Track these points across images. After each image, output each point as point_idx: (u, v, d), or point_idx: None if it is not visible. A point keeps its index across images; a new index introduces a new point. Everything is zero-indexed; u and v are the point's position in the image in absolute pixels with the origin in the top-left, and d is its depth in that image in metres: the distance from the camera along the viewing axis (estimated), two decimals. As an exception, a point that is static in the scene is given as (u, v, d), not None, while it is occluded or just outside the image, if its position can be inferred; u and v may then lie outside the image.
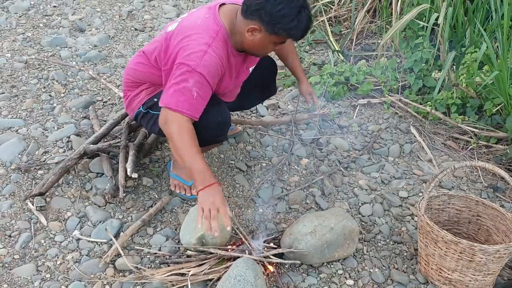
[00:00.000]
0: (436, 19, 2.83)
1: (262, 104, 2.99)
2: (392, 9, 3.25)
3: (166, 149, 2.56)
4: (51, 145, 2.54)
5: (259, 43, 1.85)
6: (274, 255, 1.93)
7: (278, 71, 2.51)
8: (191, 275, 1.83)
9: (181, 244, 1.98)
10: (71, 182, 2.31)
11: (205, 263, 1.89)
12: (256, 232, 2.09)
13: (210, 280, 1.85)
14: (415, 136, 2.83)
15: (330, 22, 3.94)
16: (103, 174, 2.33)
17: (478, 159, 2.68)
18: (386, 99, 3.08)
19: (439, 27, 2.94)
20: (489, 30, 2.92)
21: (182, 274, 1.85)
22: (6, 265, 1.92)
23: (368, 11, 3.73)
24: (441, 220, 2.13)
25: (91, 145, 2.35)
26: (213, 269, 1.87)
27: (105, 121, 2.69)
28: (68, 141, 2.56)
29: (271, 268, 1.91)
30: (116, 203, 2.22)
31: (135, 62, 2.13)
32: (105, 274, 1.90)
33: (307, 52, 3.71)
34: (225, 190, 2.35)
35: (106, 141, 2.46)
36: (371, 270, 2.01)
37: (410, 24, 3.15)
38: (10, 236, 2.05)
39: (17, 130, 2.64)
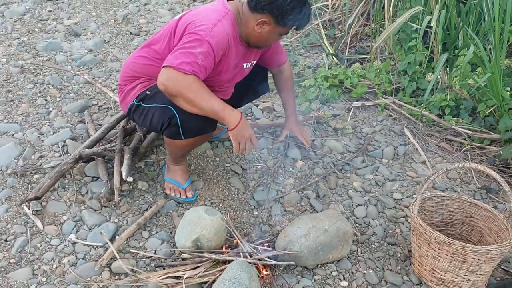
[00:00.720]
0: (429, 22, 2.85)
1: (257, 106, 3.01)
2: (384, 12, 3.27)
3: (161, 153, 2.57)
4: (47, 149, 2.55)
5: (267, 35, 2.02)
6: (269, 257, 1.94)
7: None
8: (186, 278, 1.84)
9: (176, 247, 1.99)
10: (67, 186, 2.32)
11: (200, 266, 1.90)
12: (251, 235, 2.11)
13: (205, 282, 1.86)
14: (409, 138, 2.85)
15: (325, 25, 3.97)
16: (98, 178, 2.34)
17: (471, 160, 2.70)
18: (380, 102, 3.10)
19: (432, 29, 2.97)
20: (482, 32, 2.95)
21: (178, 277, 1.86)
22: (2, 269, 1.93)
23: (362, 14, 3.76)
24: (434, 222, 2.15)
25: (87, 149, 2.36)
26: (208, 271, 1.88)
27: (100, 125, 2.71)
28: (63, 145, 2.56)
29: (265, 272, 1.92)
30: (111, 206, 2.23)
31: (136, 55, 2.17)
32: (101, 278, 1.91)
33: (301, 55, 3.73)
34: (220, 193, 2.36)
35: (101, 145, 2.47)
36: (365, 271, 2.02)
37: (403, 27, 3.18)
38: (6, 240, 2.05)
39: (13, 135, 2.65)
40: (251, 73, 2.31)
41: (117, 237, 2.06)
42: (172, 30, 2.03)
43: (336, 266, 2.02)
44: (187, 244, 1.93)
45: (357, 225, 2.26)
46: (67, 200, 2.25)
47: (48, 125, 2.74)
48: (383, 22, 3.37)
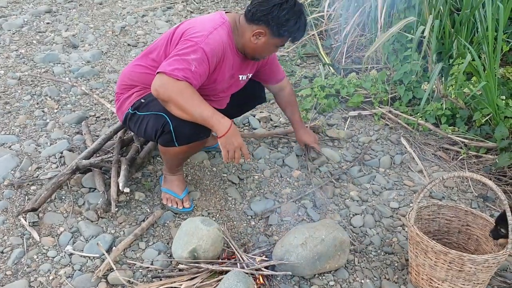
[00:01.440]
0: (423, 32, 2.88)
1: (254, 117, 3.02)
2: (379, 22, 3.29)
3: (158, 163, 2.57)
4: (44, 160, 2.56)
5: (263, 46, 2.04)
6: (266, 267, 1.94)
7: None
8: (183, 288, 1.84)
9: (173, 258, 1.99)
10: (63, 197, 2.32)
11: (197, 276, 1.90)
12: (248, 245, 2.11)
13: (202, 293, 1.86)
14: (405, 147, 2.86)
15: (321, 36, 3.99)
16: (95, 189, 2.34)
17: (468, 169, 2.71)
18: (377, 111, 3.11)
19: (426, 39, 2.99)
20: (476, 41, 2.98)
21: (174, 288, 1.86)
22: (-2, 281, 1.93)
23: (357, 25, 3.78)
24: (431, 230, 2.15)
25: (84, 160, 2.37)
26: (205, 282, 1.88)
27: (97, 136, 2.71)
28: (61, 157, 2.57)
29: (262, 282, 1.91)
30: (108, 217, 2.23)
31: (133, 64, 2.20)
32: (98, 289, 1.90)
33: (298, 65, 3.75)
34: (217, 203, 2.37)
35: (98, 156, 2.47)
36: (362, 281, 2.02)
37: (398, 37, 3.20)
38: (2, 252, 2.05)
39: (10, 146, 2.65)
40: (248, 84, 2.33)
41: (113, 248, 2.06)
42: (169, 39, 2.05)
43: (333, 275, 2.02)
44: (184, 254, 1.93)
45: (354, 234, 2.26)
46: (64, 211, 2.25)
47: (45, 137, 2.75)
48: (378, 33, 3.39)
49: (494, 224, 1.91)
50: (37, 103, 3.06)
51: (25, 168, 2.49)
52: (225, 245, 2.05)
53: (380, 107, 3.15)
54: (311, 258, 1.94)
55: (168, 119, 1.98)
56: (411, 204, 2.45)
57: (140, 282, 1.93)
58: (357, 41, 3.80)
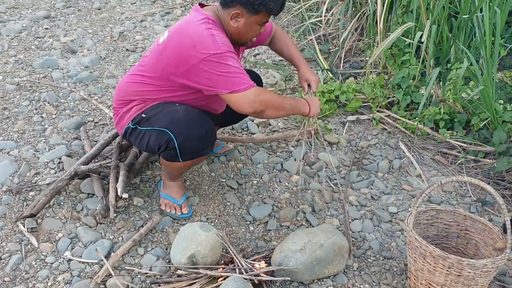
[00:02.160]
0: (421, 37, 2.89)
1: (253, 121, 3.02)
2: (378, 27, 3.31)
3: (156, 169, 2.57)
4: (43, 166, 2.55)
5: (245, 27, 2.00)
6: (265, 272, 1.94)
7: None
8: (182, 294, 1.84)
9: (172, 264, 1.99)
10: (62, 203, 2.32)
11: (195, 282, 1.90)
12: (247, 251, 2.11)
13: (201, 299, 1.86)
14: (404, 152, 2.86)
15: (319, 40, 4.00)
16: (94, 194, 2.34)
17: (466, 173, 2.71)
18: (375, 116, 3.12)
19: (424, 44, 3.00)
20: (473, 46, 2.99)
21: (173, 294, 1.86)
22: (-4, 288, 1.92)
23: (355, 30, 3.80)
24: (430, 235, 2.15)
25: (82, 166, 2.37)
26: (203, 288, 1.88)
27: (96, 141, 2.71)
28: (59, 162, 2.57)
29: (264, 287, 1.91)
30: (107, 223, 2.23)
31: (128, 79, 2.16)
32: (96, 295, 1.90)
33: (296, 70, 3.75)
34: (216, 208, 2.36)
35: (97, 162, 2.47)
36: (361, 286, 2.02)
37: (396, 42, 3.21)
38: (0, 258, 2.04)
39: (8, 152, 2.65)
40: None
41: (112, 253, 2.06)
42: (158, 54, 2.02)
43: (332, 281, 2.02)
44: (183, 260, 1.93)
45: (353, 239, 2.26)
46: (63, 217, 2.25)
47: (44, 142, 2.74)
48: (376, 37, 3.41)
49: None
50: (36, 109, 3.06)
51: (23, 173, 2.49)
52: (224, 250, 2.05)
53: (378, 112, 3.16)
54: (310, 264, 1.94)
55: (172, 135, 1.98)
56: (409, 209, 2.45)
57: (139, 287, 1.93)
58: (355, 46, 3.81)
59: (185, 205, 2.29)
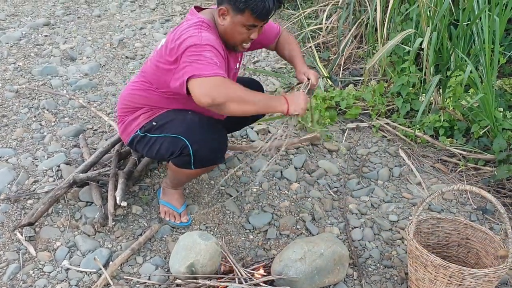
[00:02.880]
0: (420, 44, 2.89)
1: (252, 129, 3.02)
2: (377, 35, 3.31)
3: (155, 177, 2.56)
4: (41, 174, 2.54)
5: (230, 27, 1.93)
6: (265, 282, 1.92)
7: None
8: (181, 304, 1.82)
9: (171, 273, 1.97)
10: (60, 211, 2.30)
11: (195, 291, 1.88)
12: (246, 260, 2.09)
13: (200, 309, 1.84)
14: (404, 159, 2.86)
15: (318, 48, 4.01)
16: (92, 203, 2.32)
17: (466, 181, 2.71)
18: (375, 123, 3.11)
19: (424, 51, 3.00)
20: (473, 54, 2.99)
21: (172, 304, 1.84)
22: (-7, 297, 1.90)
23: (355, 37, 3.80)
24: (430, 244, 2.14)
25: (81, 174, 2.35)
26: (203, 297, 1.86)
27: (95, 149, 2.70)
28: (58, 170, 2.55)
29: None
30: (105, 232, 2.21)
31: (132, 86, 2.16)
32: (94, 305, 1.88)
33: (296, 77, 3.75)
34: (215, 217, 2.35)
35: (95, 170, 2.46)
36: (362, 295, 2.00)
37: (396, 49, 3.21)
38: (-3, 267, 2.03)
39: (7, 160, 2.64)
40: None
41: (110, 262, 2.04)
42: (156, 57, 2.02)
43: (332, 290, 2.00)
44: (182, 269, 1.91)
45: (353, 248, 2.24)
46: (61, 226, 2.23)
47: (43, 150, 2.73)
48: (375, 45, 3.41)
49: None
50: (35, 116, 3.05)
51: (21, 181, 2.48)
52: (223, 259, 2.04)
53: (378, 119, 3.15)
54: (310, 273, 1.92)
55: (188, 143, 1.96)
56: (410, 217, 2.44)
57: (137, 297, 1.91)
58: (355, 53, 3.81)
59: (185, 214, 2.28)
